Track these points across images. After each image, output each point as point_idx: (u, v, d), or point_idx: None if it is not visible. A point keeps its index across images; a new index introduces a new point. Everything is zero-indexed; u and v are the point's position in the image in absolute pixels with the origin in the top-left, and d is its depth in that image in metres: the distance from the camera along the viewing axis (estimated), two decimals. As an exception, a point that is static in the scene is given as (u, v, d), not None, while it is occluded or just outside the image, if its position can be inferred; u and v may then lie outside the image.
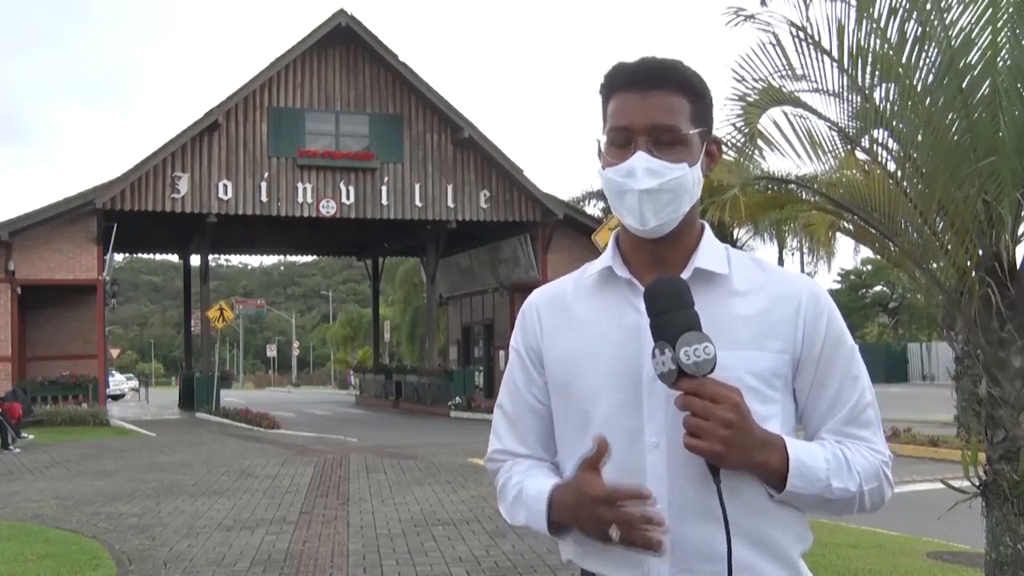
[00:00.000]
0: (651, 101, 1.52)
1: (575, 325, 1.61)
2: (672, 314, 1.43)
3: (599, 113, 1.62)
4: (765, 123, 4.64)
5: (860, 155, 4.82)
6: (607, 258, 1.62)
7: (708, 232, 1.62)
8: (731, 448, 1.41)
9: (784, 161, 4.85)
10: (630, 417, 1.52)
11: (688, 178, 1.53)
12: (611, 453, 1.45)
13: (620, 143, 1.54)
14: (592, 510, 1.44)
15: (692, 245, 1.59)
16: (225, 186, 25.13)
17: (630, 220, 1.53)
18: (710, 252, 1.59)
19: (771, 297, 1.56)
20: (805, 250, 30.49)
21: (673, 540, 1.47)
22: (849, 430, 1.56)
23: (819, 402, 1.57)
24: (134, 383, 56.91)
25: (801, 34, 4.35)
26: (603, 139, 1.58)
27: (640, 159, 1.51)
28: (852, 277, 57.00)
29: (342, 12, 25.90)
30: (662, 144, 1.52)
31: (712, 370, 1.41)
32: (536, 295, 1.72)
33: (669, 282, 1.46)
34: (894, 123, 4.40)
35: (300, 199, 25.65)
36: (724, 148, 4.81)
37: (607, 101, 1.58)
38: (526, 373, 1.68)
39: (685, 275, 1.54)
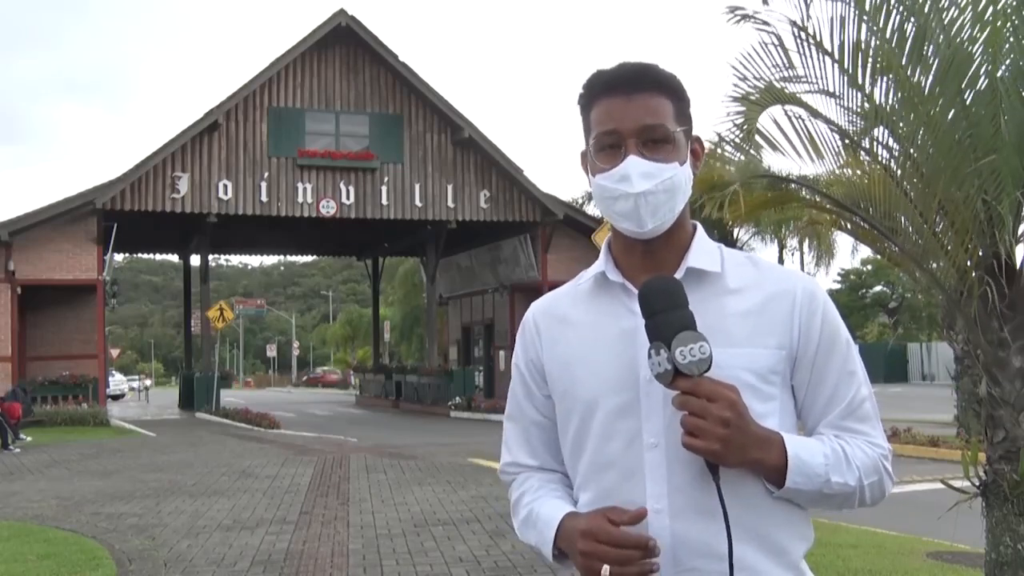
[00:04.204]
0: (635, 103, 1.52)
1: (572, 332, 1.62)
2: (667, 314, 1.43)
3: (580, 125, 1.62)
4: (766, 122, 4.64)
5: (860, 155, 4.82)
6: (600, 264, 1.63)
7: (700, 231, 1.62)
8: (729, 446, 1.41)
9: (785, 160, 4.85)
10: (628, 419, 1.53)
11: (680, 177, 1.54)
12: (642, 520, 1.47)
13: (609, 148, 1.53)
14: (581, 542, 1.47)
15: (684, 245, 1.59)
16: (225, 186, 25.13)
17: (626, 224, 1.54)
18: (702, 251, 1.59)
19: (766, 294, 1.56)
20: (806, 250, 30.50)
21: (674, 540, 1.48)
22: (847, 424, 1.55)
23: (817, 398, 1.57)
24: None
25: (802, 33, 4.35)
26: (590, 148, 1.58)
27: (633, 163, 1.51)
28: (852, 277, 57.01)
29: (342, 12, 25.91)
30: (652, 145, 1.52)
31: (708, 369, 1.42)
32: (534, 308, 1.72)
33: (663, 282, 1.47)
34: (894, 122, 4.40)
35: (300, 199, 25.66)
36: (726, 145, 4.81)
37: (588, 110, 1.58)
38: (526, 387, 1.70)
39: (678, 275, 1.54)
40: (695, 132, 1.63)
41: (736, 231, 28.44)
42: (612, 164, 1.53)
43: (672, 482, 1.49)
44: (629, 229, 1.54)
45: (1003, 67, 4.08)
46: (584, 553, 1.46)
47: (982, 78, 4.10)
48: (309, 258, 66.79)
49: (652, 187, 1.50)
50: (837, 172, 5.17)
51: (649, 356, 1.44)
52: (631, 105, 1.52)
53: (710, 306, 1.53)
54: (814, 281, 1.63)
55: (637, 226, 1.52)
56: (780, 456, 1.46)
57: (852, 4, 4.18)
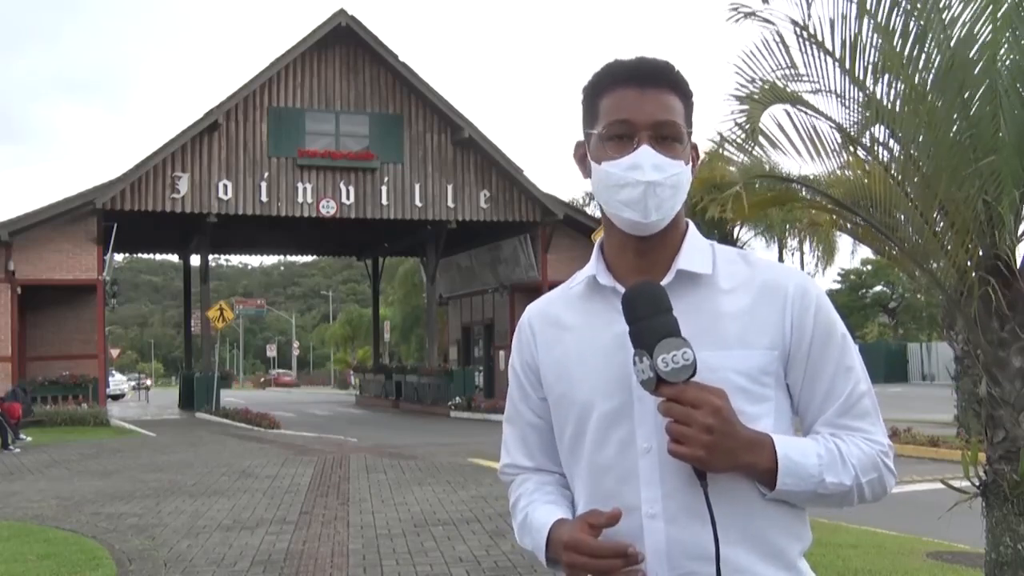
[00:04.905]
0: (651, 97, 1.52)
1: (565, 337, 1.61)
2: (649, 321, 1.42)
3: (582, 112, 1.61)
4: (767, 121, 4.64)
5: (861, 154, 4.82)
6: (591, 267, 1.62)
7: (692, 231, 1.61)
8: (715, 452, 1.40)
9: (787, 159, 4.85)
10: (622, 423, 1.52)
11: (685, 176, 1.54)
12: (618, 521, 1.47)
13: (620, 137, 1.52)
14: (563, 554, 1.48)
15: (676, 245, 1.58)
16: (225, 186, 25.13)
17: (629, 214, 1.52)
18: (694, 252, 1.57)
19: (757, 292, 1.54)
20: (806, 250, 30.48)
21: (669, 543, 1.48)
22: (844, 422, 1.54)
23: (813, 395, 1.55)
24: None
25: (803, 32, 4.35)
26: (595, 135, 1.56)
27: (646, 153, 1.50)
28: (852, 277, 57.00)
29: (342, 12, 25.91)
30: (662, 140, 1.51)
31: (692, 375, 1.40)
32: (529, 310, 1.72)
33: (645, 288, 1.46)
34: (895, 122, 4.40)
35: (300, 199, 25.66)
36: (727, 145, 4.81)
37: (599, 97, 1.56)
38: (522, 390, 1.69)
39: (668, 277, 1.54)
40: (693, 139, 1.62)
41: (737, 231, 28.44)
42: (622, 153, 1.52)
43: (666, 486, 1.48)
44: (631, 220, 1.52)
45: (1003, 67, 4.07)
46: (568, 565, 1.47)
47: (982, 78, 4.10)
48: (309, 258, 66.86)
49: (662, 179, 1.50)
50: (838, 172, 5.18)
51: (634, 363, 1.43)
52: (646, 98, 1.52)
53: (702, 308, 1.52)
54: (807, 277, 1.61)
55: (642, 216, 1.51)
56: (770, 459, 1.45)
57: (854, 3, 4.18)
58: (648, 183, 1.49)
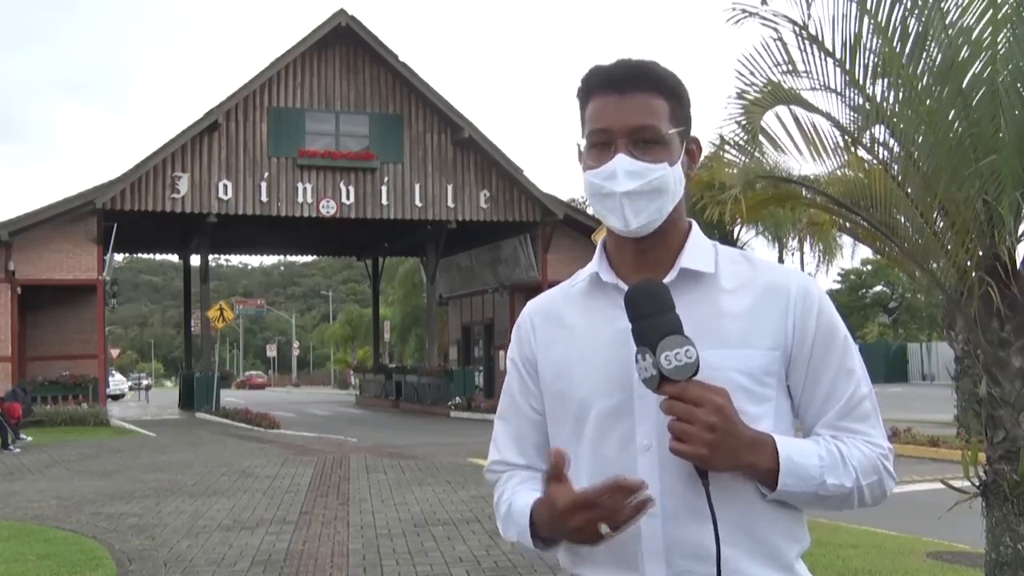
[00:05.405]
0: (629, 102, 1.51)
1: (567, 333, 1.61)
2: (652, 319, 1.42)
3: (578, 117, 1.62)
4: (768, 121, 4.64)
5: (861, 154, 4.82)
6: (594, 264, 1.62)
7: (695, 230, 1.61)
8: (716, 451, 1.40)
9: (787, 159, 4.85)
10: (622, 420, 1.52)
11: (669, 178, 1.52)
12: (569, 461, 1.44)
13: (600, 145, 1.53)
14: (567, 520, 1.43)
15: (679, 244, 1.58)
16: (225, 186, 25.13)
17: (613, 222, 1.53)
18: (697, 251, 1.57)
19: (760, 293, 1.54)
20: (807, 250, 30.46)
21: (667, 541, 1.47)
22: (845, 424, 1.54)
23: (814, 397, 1.55)
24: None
25: (803, 33, 4.35)
26: (583, 143, 1.57)
27: (621, 161, 1.50)
28: (852, 277, 57.02)
29: (342, 12, 25.91)
30: (642, 145, 1.51)
31: (695, 373, 1.40)
32: (530, 306, 1.72)
33: (648, 286, 1.45)
34: (895, 122, 4.41)
35: (300, 199, 25.66)
36: (728, 146, 4.81)
37: (585, 104, 1.57)
38: (522, 384, 1.68)
39: (671, 276, 1.54)
40: (695, 133, 1.61)
41: (737, 230, 28.42)
42: (601, 162, 1.52)
43: (665, 484, 1.48)
44: (615, 227, 1.54)
45: (1004, 68, 4.08)
46: (577, 529, 1.42)
47: (982, 78, 4.10)
48: (309, 258, 66.88)
49: (637, 187, 1.50)
50: (838, 172, 5.17)
51: (636, 361, 1.43)
52: (624, 104, 1.51)
53: (704, 307, 1.52)
54: (810, 278, 1.61)
55: (622, 225, 1.52)
56: (772, 459, 1.45)
57: (854, 2, 4.18)
58: (623, 193, 1.50)
